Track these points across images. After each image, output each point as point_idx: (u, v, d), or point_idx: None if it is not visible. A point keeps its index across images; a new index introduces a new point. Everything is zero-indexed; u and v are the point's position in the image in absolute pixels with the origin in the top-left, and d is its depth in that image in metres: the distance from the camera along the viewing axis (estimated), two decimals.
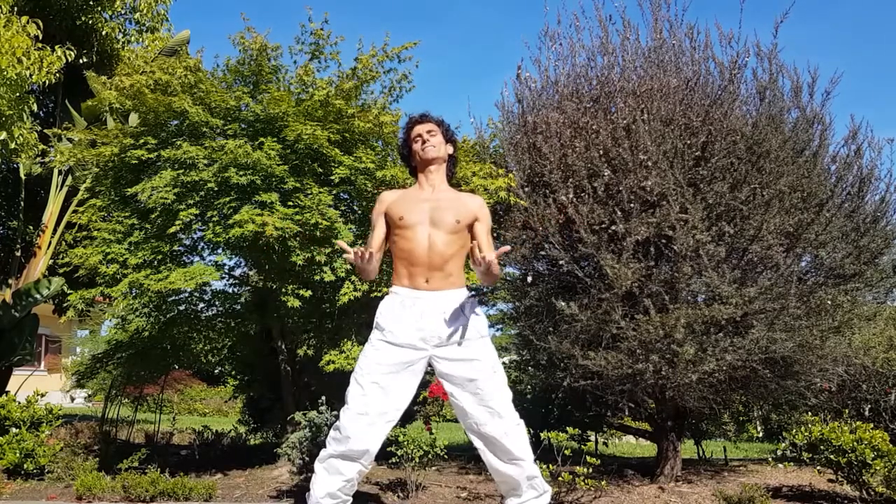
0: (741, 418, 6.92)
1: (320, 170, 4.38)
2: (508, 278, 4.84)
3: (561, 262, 4.19)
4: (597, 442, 5.98)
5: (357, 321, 4.59)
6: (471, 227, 2.73)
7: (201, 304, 5.11)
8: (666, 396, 4.15)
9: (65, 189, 8.34)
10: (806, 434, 3.80)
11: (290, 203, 4.05)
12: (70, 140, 6.44)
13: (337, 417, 2.64)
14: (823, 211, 4.09)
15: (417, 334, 2.59)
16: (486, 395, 2.57)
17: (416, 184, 2.86)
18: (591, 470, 3.48)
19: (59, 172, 8.28)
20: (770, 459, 4.34)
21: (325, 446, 2.63)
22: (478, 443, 2.64)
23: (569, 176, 4.18)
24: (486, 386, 2.58)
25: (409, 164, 2.92)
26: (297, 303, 4.09)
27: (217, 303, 5.15)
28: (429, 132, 2.79)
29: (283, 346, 5.00)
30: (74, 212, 6.61)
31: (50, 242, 8.26)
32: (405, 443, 3.76)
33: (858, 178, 4.34)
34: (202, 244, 4.71)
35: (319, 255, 4.00)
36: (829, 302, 4.14)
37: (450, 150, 2.85)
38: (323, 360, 4.25)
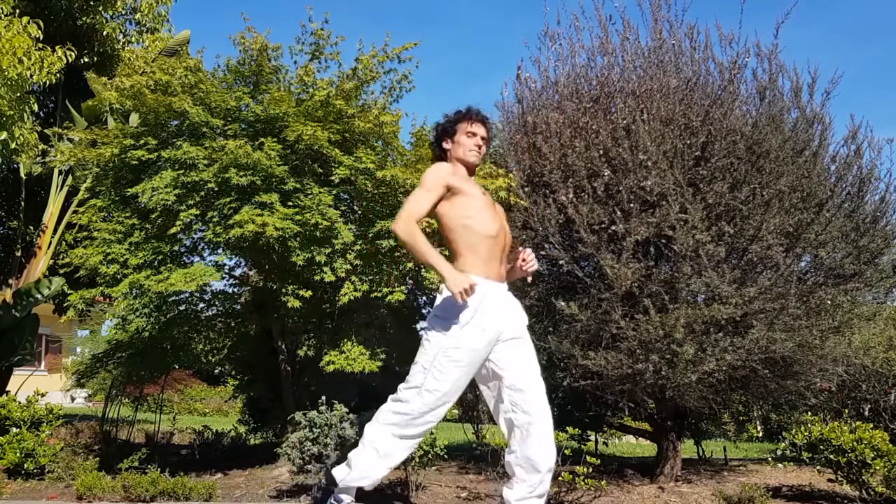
0: (741, 418, 6.92)
1: (320, 170, 4.38)
2: None
3: (561, 262, 4.19)
4: (597, 442, 5.98)
5: (357, 321, 4.60)
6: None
7: (201, 305, 5.12)
8: (666, 396, 4.15)
9: (65, 189, 8.35)
10: (806, 434, 3.80)
11: (291, 203, 4.05)
12: (70, 140, 6.45)
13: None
14: (823, 211, 4.09)
15: (496, 333, 2.64)
16: (536, 366, 2.68)
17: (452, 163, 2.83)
18: (591, 470, 3.48)
19: (60, 172, 8.29)
20: (770, 459, 4.34)
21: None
22: (522, 419, 2.61)
23: (569, 176, 4.18)
24: (535, 359, 2.71)
25: (442, 141, 2.84)
26: (297, 303, 4.09)
27: (217, 303, 5.15)
28: (483, 139, 2.82)
29: (283, 347, 5.00)
30: (75, 212, 6.62)
31: (50, 242, 8.27)
32: None
33: (858, 178, 4.34)
34: (202, 244, 4.72)
35: (319, 256, 4.00)
36: (828, 302, 4.14)
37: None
38: (323, 361, 4.26)
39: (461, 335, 2.58)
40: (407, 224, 2.58)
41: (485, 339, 2.60)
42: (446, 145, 2.82)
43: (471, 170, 2.83)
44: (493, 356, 2.66)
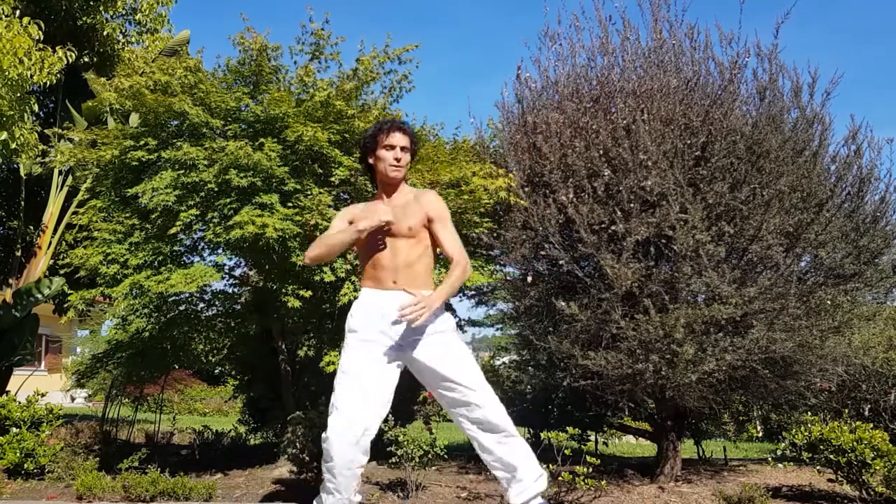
0: (741, 418, 6.91)
1: (320, 170, 4.38)
2: (509, 278, 4.84)
3: (561, 262, 4.19)
4: (597, 442, 5.98)
5: None
6: (428, 228, 2.77)
7: (201, 305, 5.12)
8: (666, 396, 4.15)
9: (65, 189, 8.36)
10: (806, 434, 3.80)
11: (290, 204, 4.06)
12: (70, 140, 6.45)
13: None
14: (823, 211, 4.09)
15: (386, 332, 2.64)
16: (467, 378, 2.64)
17: (376, 195, 2.88)
18: (591, 470, 3.48)
19: (60, 173, 8.29)
20: (770, 459, 4.35)
21: (319, 444, 2.65)
22: (470, 428, 2.68)
23: (569, 176, 4.18)
24: (465, 370, 2.65)
25: (366, 156, 2.84)
26: (297, 303, 4.09)
27: (217, 303, 5.15)
28: (403, 149, 2.75)
29: (283, 347, 5.00)
30: (75, 213, 6.62)
31: (50, 242, 8.27)
32: (405, 443, 3.76)
33: (858, 178, 4.34)
34: (202, 244, 4.72)
35: None
36: (828, 302, 4.14)
37: (408, 166, 2.86)
38: (323, 361, 4.26)
39: (347, 341, 2.66)
40: (310, 248, 2.76)
41: (361, 341, 2.63)
42: (371, 161, 2.81)
43: (395, 185, 2.79)
44: (421, 377, 2.69)
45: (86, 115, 8.00)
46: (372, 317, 2.66)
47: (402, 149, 2.75)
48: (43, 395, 4.80)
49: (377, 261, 2.71)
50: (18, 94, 5.73)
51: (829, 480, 3.96)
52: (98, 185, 4.85)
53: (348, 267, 4.09)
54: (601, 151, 4.11)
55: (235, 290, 5.31)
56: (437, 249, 2.83)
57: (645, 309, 3.81)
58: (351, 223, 2.73)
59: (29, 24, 5.82)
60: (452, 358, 2.65)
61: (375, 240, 2.72)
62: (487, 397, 2.65)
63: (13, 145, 5.81)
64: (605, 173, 4.06)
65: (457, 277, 2.67)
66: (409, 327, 2.61)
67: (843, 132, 5.70)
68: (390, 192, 2.80)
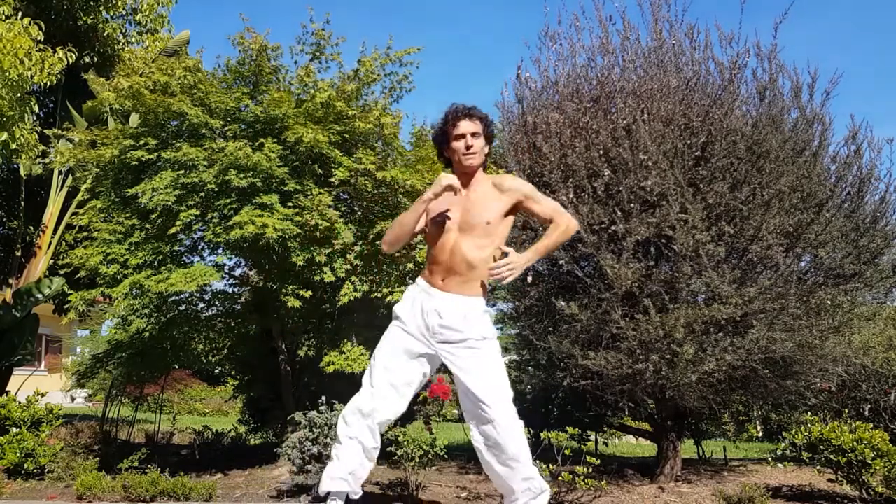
0: (741, 418, 6.92)
1: (320, 171, 4.38)
2: None
3: (561, 262, 4.19)
4: (597, 442, 5.98)
5: (357, 321, 4.60)
6: (515, 210, 2.71)
7: (201, 305, 5.12)
8: (666, 396, 4.15)
9: (65, 189, 8.36)
10: (806, 434, 3.80)
11: (290, 204, 4.06)
12: (70, 140, 6.45)
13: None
14: (823, 211, 4.09)
15: (421, 328, 2.65)
16: (483, 393, 2.60)
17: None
18: (591, 470, 3.48)
19: (60, 173, 8.29)
20: (770, 459, 4.35)
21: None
22: (477, 440, 2.68)
23: (569, 176, 4.18)
24: (483, 385, 2.61)
25: (441, 151, 2.79)
26: (297, 303, 4.09)
27: (217, 303, 5.15)
28: (473, 135, 2.67)
29: (283, 347, 5.00)
30: (75, 213, 6.63)
31: (50, 242, 8.27)
32: (405, 443, 3.76)
33: (858, 178, 4.34)
34: (202, 244, 4.72)
35: (319, 256, 4.00)
36: (828, 302, 4.14)
37: (486, 149, 2.77)
38: (323, 362, 4.26)
39: (390, 326, 2.73)
40: (386, 234, 2.82)
41: (401, 329, 2.66)
42: (447, 154, 2.76)
43: (471, 173, 2.71)
44: (448, 366, 2.67)
45: (86, 116, 7.99)
46: (416, 311, 2.66)
47: (473, 135, 2.67)
48: (43, 395, 4.80)
49: (436, 254, 2.67)
50: (19, 95, 5.73)
51: (829, 480, 3.96)
52: (98, 185, 4.85)
53: (348, 267, 4.09)
54: (601, 151, 4.11)
55: (235, 290, 5.31)
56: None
57: (645, 309, 3.81)
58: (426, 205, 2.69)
59: (30, 24, 5.82)
60: (480, 373, 2.61)
61: (438, 225, 2.67)
62: (506, 421, 2.60)
63: (13, 145, 5.81)
64: (605, 173, 4.06)
65: (557, 237, 2.68)
66: (441, 330, 2.61)
67: (843, 132, 5.72)
68: (467, 181, 2.71)
